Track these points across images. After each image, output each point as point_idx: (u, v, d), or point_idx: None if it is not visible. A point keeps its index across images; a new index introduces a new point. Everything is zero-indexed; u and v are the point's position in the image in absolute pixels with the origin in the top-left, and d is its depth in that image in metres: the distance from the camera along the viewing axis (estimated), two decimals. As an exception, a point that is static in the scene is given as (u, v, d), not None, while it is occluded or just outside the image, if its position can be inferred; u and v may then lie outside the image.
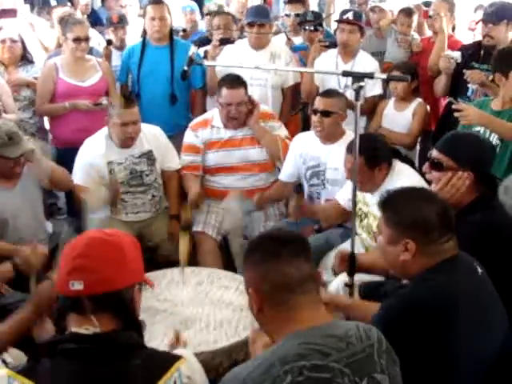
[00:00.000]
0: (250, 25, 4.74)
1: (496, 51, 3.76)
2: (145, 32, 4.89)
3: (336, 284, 3.17)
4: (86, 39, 4.62)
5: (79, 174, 3.96)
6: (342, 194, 3.69)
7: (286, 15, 5.56)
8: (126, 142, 3.96)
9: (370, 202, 3.43)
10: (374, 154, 3.34)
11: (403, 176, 3.32)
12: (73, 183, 3.93)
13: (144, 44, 4.88)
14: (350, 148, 3.35)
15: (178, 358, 1.81)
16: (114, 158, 4.00)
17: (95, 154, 3.96)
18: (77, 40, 4.58)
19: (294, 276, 1.77)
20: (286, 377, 1.61)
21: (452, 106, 3.48)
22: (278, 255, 1.79)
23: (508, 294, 2.30)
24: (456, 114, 3.37)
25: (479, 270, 2.18)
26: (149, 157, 4.09)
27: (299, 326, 1.75)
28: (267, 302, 1.80)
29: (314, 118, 3.92)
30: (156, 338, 2.74)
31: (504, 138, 3.42)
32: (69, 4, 6.50)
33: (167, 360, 1.79)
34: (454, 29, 5.37)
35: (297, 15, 5.38)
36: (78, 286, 1.74)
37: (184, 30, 5.97)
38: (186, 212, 3.52)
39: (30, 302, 2.49)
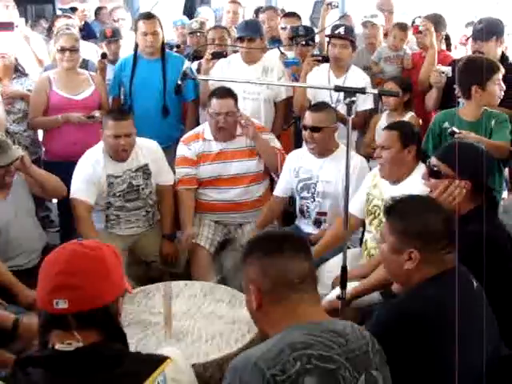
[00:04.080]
0: (240, 39, 4.78)
1: (462, 65, 3.85)
2: (136, 45, 4.91)
3: (331, 297, 3.19)
4: (72, 50, 4.62)
5: (79, 186, 3.95)
6: (355, 204, 3.66)
7: (282, 28, 5.59)
8: (120, 154, 3.97)
9: (387, 196, 3.34)
10: (408, 131, 3.44)
11: None
12: (66, 191, 3.91)
13: (136, 57, 4.90)
14: (385, 127, 3.54)
15: (163, 359, 1.79)
16: (113, 172, 4.01)
17: (95, 167, 3.97)
18: (62, 50, 4.61)
19: (295, 271, 1.83)
20: (295, 363, 1.67)
21: (454, 135, 3.54)
22: (281, 250, 1.86)
23: (503, 304, 2.33)
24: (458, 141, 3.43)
25: (475, 284, 2.19)
26: (144, 171, 4.11)
27: (298, 320, 1.80)
28: (267, 297, 1.84)
29: (305, 134, 3.96)
30: (148, 351, 2.74)
31: (496, 156, 3.49)
32: (72, 16, 6.50)
33: (151, 364, 1.77)
34: (448, 44, 5.42)
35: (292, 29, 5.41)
36: (62, 304, 1.70)
37: (178, 46, 6.01)
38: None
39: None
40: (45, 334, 1.78)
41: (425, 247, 2.16)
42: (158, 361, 1.79)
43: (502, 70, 3.79)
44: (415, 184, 3.24)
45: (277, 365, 1.67)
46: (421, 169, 3.42)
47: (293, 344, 1.71)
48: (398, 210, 2.28)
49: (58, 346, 1.73)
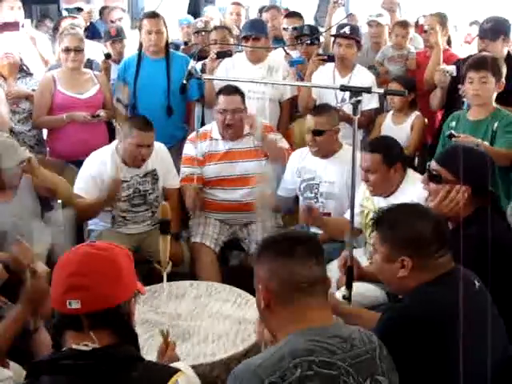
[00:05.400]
0: (245, 38, 4.79)
1: (468, 64, 3.86)
2: (141, 45, 4.91)
3: (337, 297, 3.19)
4: (77, 50, 4.62)
5: (81, 184, 3.95)
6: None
7: (284, 29, 5.59)
8: (137, 162, 3.99)
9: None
10: (390, 152, 3.41)
11: (417, 184, 3.33)
12: (75, 199, 3.90)
13: (140, 57, 4.90)
14: (365, 146, 3.45)
15: (175, 371, 1.80)
16: (122, 177, 3.99)
17: (102, 170, 3.96)
18: (66, 50, 4.61)
19: (304, 276, 1.82)
20: (295, 370, 1.66)
21: (453, 138, 3.53)
22: (292, 254, 1.84)
23: (508, 305, 2.31)
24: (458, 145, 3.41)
25: (477, 284, 2.18)
26: (153, 176, 4.12)
27: (304, 325, 1.79)
28: (275, 299, 1.84)
29: (308, 137, 3.96)
30: (154, 351, 2.74)
31: (497, 163, 3.46)
32: (78, 16, 6.51)
33: (165, 373, 1.78)
34: (449, 42, 5.41)
35: (294, 29, 5.41)
36: (75, 304, 1.72)
37: (186, 43, 6.01)
38: (163, 211, 3.43)
39: (23, 298, 2.50)
40: (58, 335, 1.80)
41: (416, 253, 2.14)
42: (171, 371, 1.80)
43: (481, 71, 3.71)
44: (407, 193, 3.28)
45: (276, 372, 1.66)
46: (409, 176, 3.45)
47: (294, 351, 1.70)
48: (386, 219, 2.28)
49: (74, 347, 1.74)
